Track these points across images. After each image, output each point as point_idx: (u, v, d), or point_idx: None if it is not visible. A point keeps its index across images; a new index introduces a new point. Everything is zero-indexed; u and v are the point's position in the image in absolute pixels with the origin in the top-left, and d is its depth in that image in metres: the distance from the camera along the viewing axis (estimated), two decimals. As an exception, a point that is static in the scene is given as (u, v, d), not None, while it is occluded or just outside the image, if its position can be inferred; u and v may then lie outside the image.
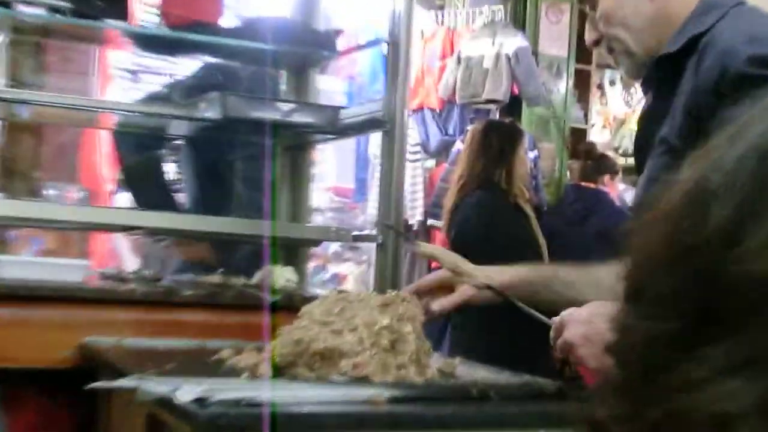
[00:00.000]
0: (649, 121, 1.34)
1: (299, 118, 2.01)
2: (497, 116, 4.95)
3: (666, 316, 0.39)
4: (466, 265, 1.42)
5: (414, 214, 5.30)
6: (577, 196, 4.21)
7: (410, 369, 1.28)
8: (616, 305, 1.21)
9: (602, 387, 0.41)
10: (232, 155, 2.56)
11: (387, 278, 1.86)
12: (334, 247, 7.07)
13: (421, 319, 1.35)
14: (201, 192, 2.56)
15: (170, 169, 2.80)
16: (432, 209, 5.05)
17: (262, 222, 1.96)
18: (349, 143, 6.70)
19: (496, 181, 2.89)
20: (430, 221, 5.10)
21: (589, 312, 1.23)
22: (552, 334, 1.26)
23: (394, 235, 1.84)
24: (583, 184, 4.32)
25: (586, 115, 5.69)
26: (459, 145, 5.16)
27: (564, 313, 1.25)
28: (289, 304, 1.74)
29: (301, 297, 1.81)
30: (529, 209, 2.86)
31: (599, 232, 3.93)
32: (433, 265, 5.33)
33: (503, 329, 2.61)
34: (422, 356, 1.32)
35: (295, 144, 2.41)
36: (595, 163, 4.34)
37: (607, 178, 4.33)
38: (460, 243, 2.73)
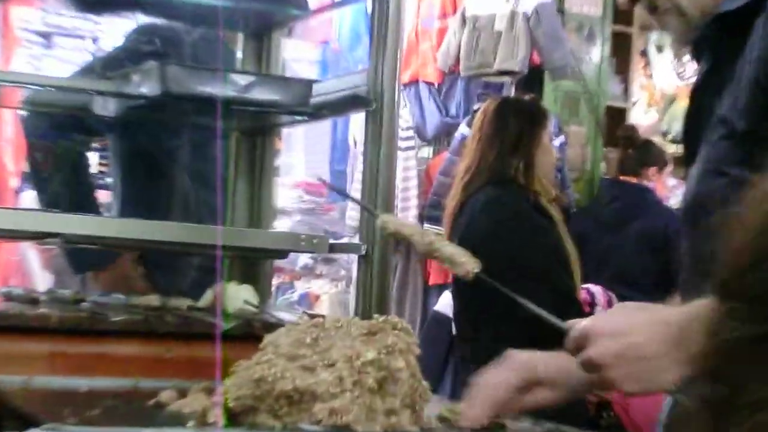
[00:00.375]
0: (703, 96, 1.36)
1: (260, 94, 2.01)
2: (513, 92, 4.97)
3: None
4: (445, 245, 1.41)
5: (406, 217, 5.31)
6: (614, 193, 4.24)
7: (403, 415, 1.29)
8: (656, 309, 1.21)
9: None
10: (173, 142, 2.57)
11: (372, 299, 1.87)
12: (304, 259, 7.09)
13: (417, 352, 1.35)
14: (133, 189, 2.56)
15: (93, 161, 2.80)
16: (429, 211, 5.07)
17: (213, 228, 1.96)
18: (323, 127, 6.72)
19: (511, 174, 2.88)
20: (426, 226, 5.11)
21: (621, 321, 1.23)
22: (569, 345, 1.26)
23: (363, 211, 1.85)
24: (622, 178, 4.35)
25: (626, 91, 5.72)
26: (464, 130, 5.19)
27: (587, 322, 1.25)
28: (248, 333, 1.75)
29: (262, 323, 1.81)
30: (554, 210, 2.86)
31: (642, 240, 3.96)
32: (431, 281, 5.33)
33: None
34: (418, 399, 1.33)
35: (255, 128, 2.41)
36: (638, 151, 4.36)
37: (652, 170, 4.36)
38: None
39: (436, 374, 2.96)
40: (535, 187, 2.84)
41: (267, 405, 1.26)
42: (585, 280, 3.07)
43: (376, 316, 1.41)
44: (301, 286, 7.00)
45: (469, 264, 1.41)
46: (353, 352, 1.31)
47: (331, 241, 2.02)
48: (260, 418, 1.27)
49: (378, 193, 1.93)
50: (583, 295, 3.18)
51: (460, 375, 2.97)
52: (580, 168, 4.89)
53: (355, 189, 5.80)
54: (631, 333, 1.21)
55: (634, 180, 4.27)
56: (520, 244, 2.70)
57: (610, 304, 3.43)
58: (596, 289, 3.41)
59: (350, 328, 1.39)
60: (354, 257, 2.03)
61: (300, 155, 7.52)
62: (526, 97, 3.40)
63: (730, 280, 0.48)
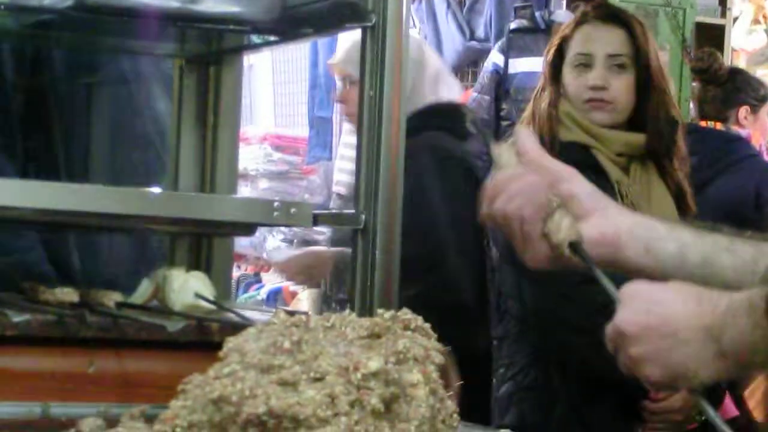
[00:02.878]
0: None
1: (212, 5, 2.00)
2: (564, 6, 4.97)
3: None
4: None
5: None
6: (695, 143, 4.22)
7: (419, 448, 1.29)
8: (708, 291, 1.31)
9: None
10: (89, 75, 2.56)
11: (375, 289, 1.87)
12: (274, 242, 7.08)
13: (438, 360, 1.36)
14: (31, 142, 2.55)
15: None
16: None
17: (147, 193, 1.96)
18: (299, 53, 6.69)
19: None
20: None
21: (662, 293, 1.35)
22: (608, 332, 1.38)
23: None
24: (702, 124, 4.34)
25: (723, 2, 5.71)
26: (496, 59, 5.18)
27: (629, 288, 1.36)
28: (201, 337, 1.74)
29: (221, 324, 1.80)
30: (612, 167, 2.88)
31: (724, 206, 3.95)
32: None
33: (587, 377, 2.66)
34: (441, 426, 1.33)
35: (206, 54, 2.40)
36: (733, 85, 4.35)
37: (743, 111, 4.34)
38: (500, 236, 2.75)
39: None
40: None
41: (231, 436, 1.26)
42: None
43: (380, 311, 1.41)
44: (270, 280, 7.00)
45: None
46: (350, 361, 1.31)
47: (315, 211, 2.02)
48: (222, 453, 1.27)
49: (379, 153, 1.94)
50: None
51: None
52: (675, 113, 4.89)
53: (344, 143, 5.79)
54: (667, 306, 1.33)
55: (718, 126, 4.26)
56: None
57: None
58: None
59: (345, 328, 1.39)
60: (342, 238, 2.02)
61: (268, 95, 7.50)
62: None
63: None
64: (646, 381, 1.38)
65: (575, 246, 1.46)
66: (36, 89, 2.56)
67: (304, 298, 6.36)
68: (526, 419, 2.65)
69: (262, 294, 6.77)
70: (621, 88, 2.84)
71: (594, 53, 2.84)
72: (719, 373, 1.33)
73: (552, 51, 2.91)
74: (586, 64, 2.85)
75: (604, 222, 1.47)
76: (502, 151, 1.59)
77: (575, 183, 1.52)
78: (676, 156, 2.95)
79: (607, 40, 2.87)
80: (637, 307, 1.35)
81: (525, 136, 1.57)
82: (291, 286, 6.83)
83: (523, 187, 1.51)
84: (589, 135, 2.83)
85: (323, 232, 6.99)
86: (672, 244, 1.46)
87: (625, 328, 1.35)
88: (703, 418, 2.70)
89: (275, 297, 6.54)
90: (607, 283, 1.42)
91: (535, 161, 1.53)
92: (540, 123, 2.85)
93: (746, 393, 3.43)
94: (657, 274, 1.46)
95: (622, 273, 1.48)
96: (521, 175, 1.52)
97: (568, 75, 2.87)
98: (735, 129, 4.27)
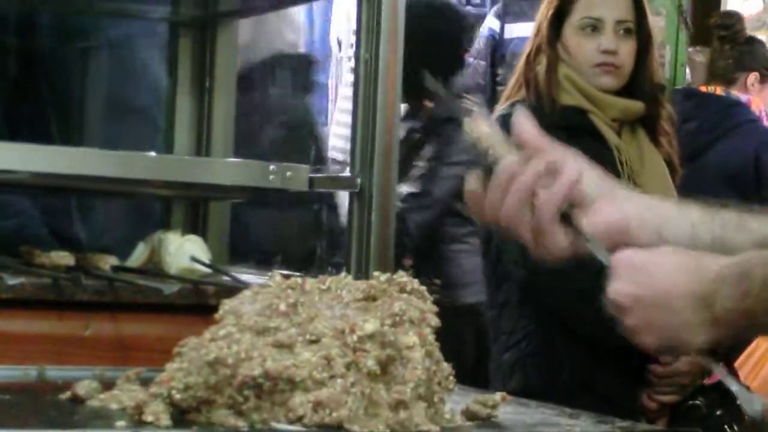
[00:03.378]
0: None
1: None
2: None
3: None
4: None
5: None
6: (694, 108, 4.21)
7: (415, 410, 1.29)
8: (698, 256, 1.29)
9: None
10: (84, 39, 2.55)
11: (371, 252, 1.87)
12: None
13: (435, 323, 1.36)
14: (25, 105, 2.55)
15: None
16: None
17: (143, 156, 1.95)
18: (293, 15, 6.68)
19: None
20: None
21: (652, 260, 1.35)
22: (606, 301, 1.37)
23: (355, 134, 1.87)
24: (702, 88, 4.33)
25: (720, -34, 5.69)
26: (492, 23, 5.16)
27: (622, 254, 1.37)
28: (197, 300, 1.75)
29: (216, 288, 1.81)
30: (610, 132, 2.88)
31: (723, 171, 3.94)
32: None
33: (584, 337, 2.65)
34: (437, 388, 1.33)
35: (201, 17, 2.40)
36: (738, 50, 4.34)
37: (752, 78, 4.34)
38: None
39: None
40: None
41: (226, 397, 1.27)
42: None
43: (376, 274, 1.41)
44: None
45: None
46: (346, 323, 1.31)
47: (311, 174, 2.01)
48: (217, 415, 1.27)
49: (375, 116, 1.93)
50: None
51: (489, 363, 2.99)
52: (659, 78, 4.88)
53: (339, 109, 5.78)
54: (657, 276, 1.33)
55: (719, 90, 4.24)
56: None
57: None
58: None
59: (341, 291, 1.39)
60: (340, 202, 2.02)
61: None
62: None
63: None
64: (645, 348, 1.38)
65: (566, 216, 1.44)
66: (30, 54, 2.56)
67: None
68: (531, 385, 2.64)
69: (258, 260, 6.77)
70: (628, 52, 2.84)
71: (603, 18, 2.82)
72: (713, 338, 1.33)
73: (551, 12, 2.88)
74: (595, 27, 2.83)
75: (612, 209, 1.45)
76: (478, 129, 1.49)
77: (576, 168, 1.48)
78: (665, 120, 2.95)
79: (615, 5, 2.86)
80: (629, 277, 1.35)
81: (522, 118, 1.53)
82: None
83: (521, 188, 1.46)
84: (588, 99, 2.82)
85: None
86: (683, 226, 1.44)
87: (618, 299, 1.35)
88: (703, 381, 2.71)
89: (271, 263, 6.54)
90: (601, 252, 1.41)
91: (534, 147, 1.46)
92: (538, 87, 2.84)
93: (740, 359, 3.43)
94: None
95: None
96: (518, 174, 1.44)
97: (574, 38, 2.84)
98: (736, 94, 4.26)
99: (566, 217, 1.44)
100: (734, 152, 4.05)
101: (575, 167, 1.46)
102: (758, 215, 1.44)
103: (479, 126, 1.47)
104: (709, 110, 4.15)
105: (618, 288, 1.35)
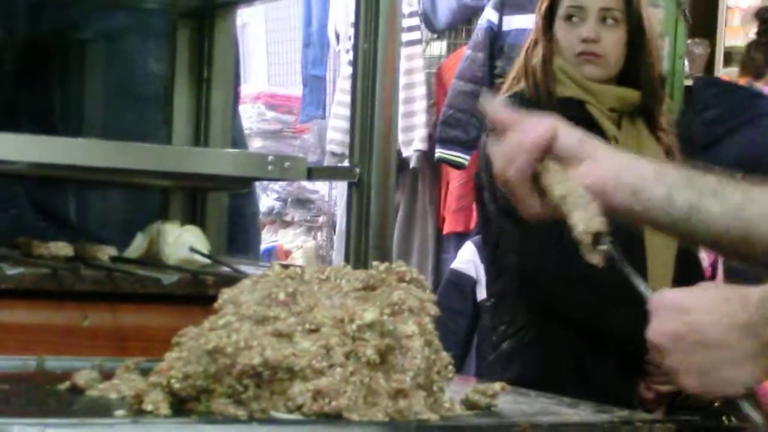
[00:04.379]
0: None
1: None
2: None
3: None
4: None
5: (410, 140, 5.31)
6: (715, 96, 4.20)
7: (414, 399, 1.29)
8: (734, 288, 1.28)
9: None
10: (82, 30, 2.55)
11: (369, 242, 1.87)
12: (269, 202, 7.09)
13: (434, 312, 1.36)
14: (25, 95, 2.54)
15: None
16: (443, 130, 5.06)
17: (141, 147, 1.95)
18: (292, 12, 6.68)
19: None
20: (440, 152, 5.11)
21: (688, 297, 1.32)
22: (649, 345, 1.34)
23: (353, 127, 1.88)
24: (724, 78, 4.32)
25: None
26: (490, 16, 5.16)
27: (662, 293, 1.33)
28: (196, 291, 1.74)
29: (215, 278, 1.81)
30: (607, 123, 2.88)
31: (741, 163, 3.93)
32: (445, 229, 5.34)
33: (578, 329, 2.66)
34: (436, 377, 1.33)
35: (200, 8, 2.39)
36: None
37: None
38: (499, 192, 2.73)
39: (456, 352, 2.99)
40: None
41: (226, 386, 1.27)
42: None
43: (375, 263, 1.41)
44: (264, 239, 7.01)
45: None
46: (345, 312, 1.31)
47: (310, 165, 2.02)
48: (217, 404, 1.27)
49: (373, 106, 1.93)
50: None
51: (488, 354, 2.99)
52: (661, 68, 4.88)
53: (338, 102, 5.78)
54: (698, 311, 1.29)
55: (743, 81, 4.25)
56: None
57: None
58: None
59: (340, 280, 1.39)
60: (338, 194, 2.01)
61: (261, 53, 7.48)
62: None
63: None
64: (690, 391, 1.33)
65: (599, 238, 1.42)
66: (27, 44, 2.55)
67: (299, 257, 6.37)
68: (528, 375, 2.64)
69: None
70: (613, 41, 2.83)
71: (586, 6, 2.82)
72: (763, 372, 1.28)
73: (545, 4, 2.89)
74: (578, 16, 2.83)
75: (591, 170, 1.44)
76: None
77: (561, 133, 1.49)
78: (665, 111, 2.95)
79: None
80: (665, 316, 1.31)
81: (493, 103, 1.54)
82: (285, 244, 6.85)
83: (509, 149, 1.48)
84: (583, 90, 2.82)
85: (317, 191, 7.01)
86: (659, 189, 1.42)
87: (656, 340, 1.32)
88: None
89: (269, 256, 6.54)
90: (640, 283, 1.39)
91: (514, 126, 1.49)
92: (534, 78, 2.84)
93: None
94: (644, 219, 1.44)
95: (615, 219, 1.45)
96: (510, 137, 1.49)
97: (560, 28, 2.85)
98: (760, 87, 4.27)
99: (599, 239, 1.42)
100: (752, 144, 4.04)
101: (548, 126, 1.46)
102: (738, 183, 1.42)
103: None
104: (730, 99, 4.14)
105: (656, 327, 1.32)
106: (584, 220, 1.42)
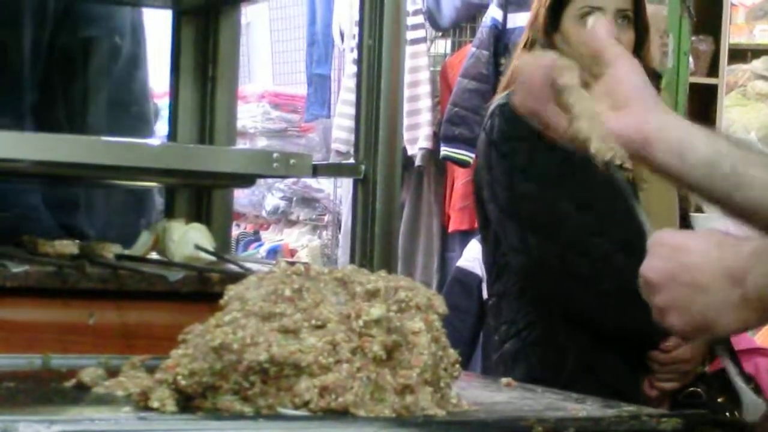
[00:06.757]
0: None
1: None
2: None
3: None
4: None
5: (415, 138, 5.31)
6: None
7: (422, 395, 1.29)
8: (734, 238, 1.28)
9: None
10: (86, 28, 2.55)
11: (375, 239, 1.87)
12: (273, 201, 7.10)
13: (441, 309, 1.35)
14: (25, 92, 2.54)
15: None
16: (447, 128, 5.07)
17: (146, 144, 1.95)
18: (296, 11, 6.68)
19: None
20: (445, 150, 5.11)
21: (686, 239, 1.35)
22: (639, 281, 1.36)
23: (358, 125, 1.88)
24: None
25: (722, -43, 5.67)
26: (495, 13, 5.16)
27: (660, 233, 1.36)
28: (202, 288, 1.74)
29: (221, 275, 1.80)
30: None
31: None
32: (451, 227, 5.34)
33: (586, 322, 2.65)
34: (442, 373, 1.33)
35: (203, 5, 2.39)
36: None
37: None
38: (504, 188, 2.71)
39: (462, 351, 2.99)
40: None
41: (232, 383, 1.27)
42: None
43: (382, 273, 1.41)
44: (269, 238, 7.03)
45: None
46: (351, 308, 1.31)
47: (315, 162, 2.01)
48: (223, 401, 1.27)
49: (378, 104, 1.93)
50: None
51: (492, 353, 2.99)
52: (657, 65, 4.87)
53: (343, 100, 5.78)
54: (693, 252, 1.31)
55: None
56: (580, 169, 2.70)
57: None
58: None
59: (348, 277, 1.39)
60: (343, 193, 2.01)
61: (265, 52, 7.48)
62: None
63: None
64: (671, 330, 1.37)
65: (610, 165, 1.42)
66: (31, 42, 2.55)
67: (304, 256, 6.38)
68: (535, 374, 2.64)
69: (262, 252, 6.79)
70: (627, 42, 2.82)
71: (605, 7, 2.80)
72: (742, 321, 1.31)
73: (548, 3, 2.86)
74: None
75: (635, 116, 1.42)
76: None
77: (623, 69, 1.47)
78: None
79: None
80: (661, 255, 1.34)
81: (599, 27, 1.54)
82: (290, 243, 6.85)
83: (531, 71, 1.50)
84: None
85: (322, 190, 7.01)
86: (704, 150, 1.40)
87: (648, 276, 1.34)
88: (705, 368, 2.71)
89: (275, 255, 6.55)
90: (643, 217, 1.43)
91: (599, 44, 1.50)
92: None
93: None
94: (685, 179, 1.42)
95: (651, 171, 1.45)
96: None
97: (574, 27, 2.82)
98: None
99: (610, 165, 1.42)
100: None
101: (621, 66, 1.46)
102: None
103: None
104: None
105: (650, 264, 1.34)
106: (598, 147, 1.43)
